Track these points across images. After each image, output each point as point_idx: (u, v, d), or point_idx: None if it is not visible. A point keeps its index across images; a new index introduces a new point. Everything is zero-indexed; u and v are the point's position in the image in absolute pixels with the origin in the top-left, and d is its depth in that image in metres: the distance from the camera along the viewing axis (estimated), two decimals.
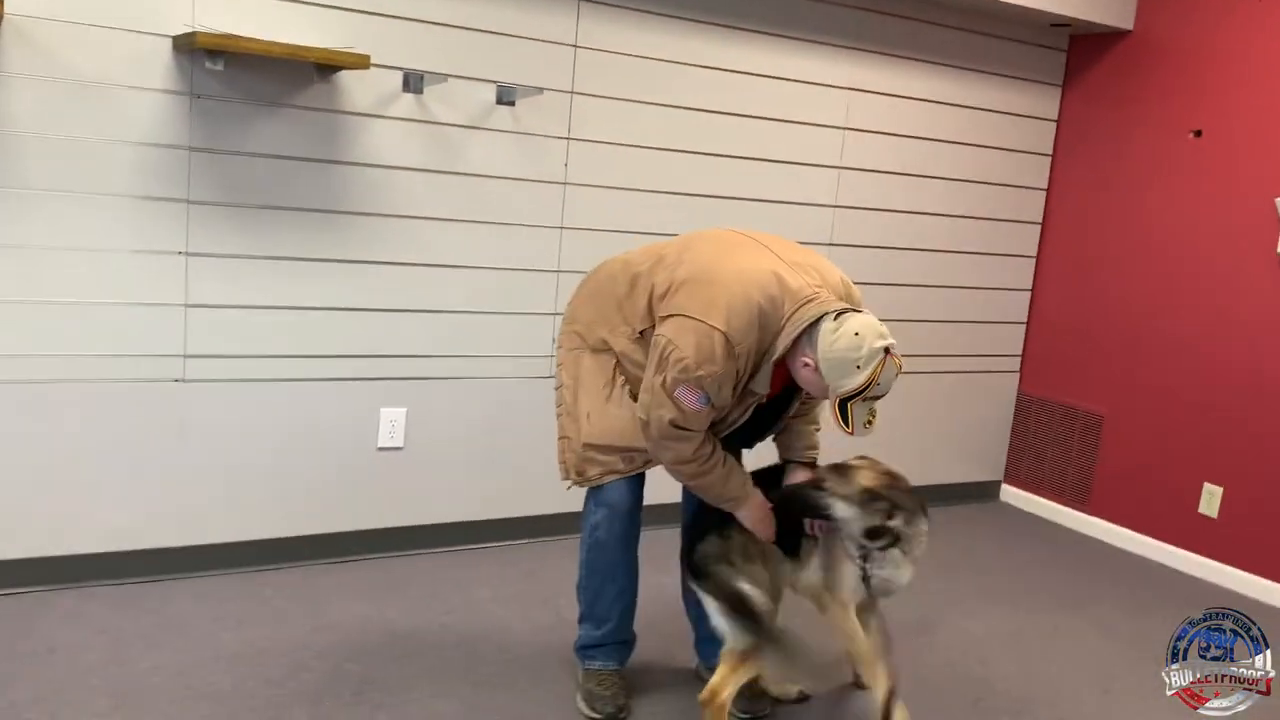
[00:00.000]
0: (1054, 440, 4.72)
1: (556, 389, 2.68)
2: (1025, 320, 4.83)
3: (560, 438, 2.65)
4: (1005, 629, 3.45)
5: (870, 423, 2.30)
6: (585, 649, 2.77)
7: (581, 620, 2.78)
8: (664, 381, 2.34)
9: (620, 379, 2.55)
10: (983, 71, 4.42)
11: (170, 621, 2.99)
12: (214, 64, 3.03)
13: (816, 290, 2.35)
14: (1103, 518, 4.51)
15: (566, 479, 2.66)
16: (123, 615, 2.99)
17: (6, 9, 2.76)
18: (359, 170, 3.32)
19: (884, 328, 2.28)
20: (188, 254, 3.13)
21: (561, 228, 3.66)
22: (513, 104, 3.48)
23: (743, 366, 2.34)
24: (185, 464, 3.24)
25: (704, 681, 2.80)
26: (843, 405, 2.27)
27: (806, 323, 2.29)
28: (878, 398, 2.28)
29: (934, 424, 4.70)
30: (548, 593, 3.36)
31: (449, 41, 3.37)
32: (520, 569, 3.56)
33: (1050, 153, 4.69)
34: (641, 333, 2.49)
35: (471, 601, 3.30)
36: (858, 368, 2.23)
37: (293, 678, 2.74)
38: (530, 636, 3.10)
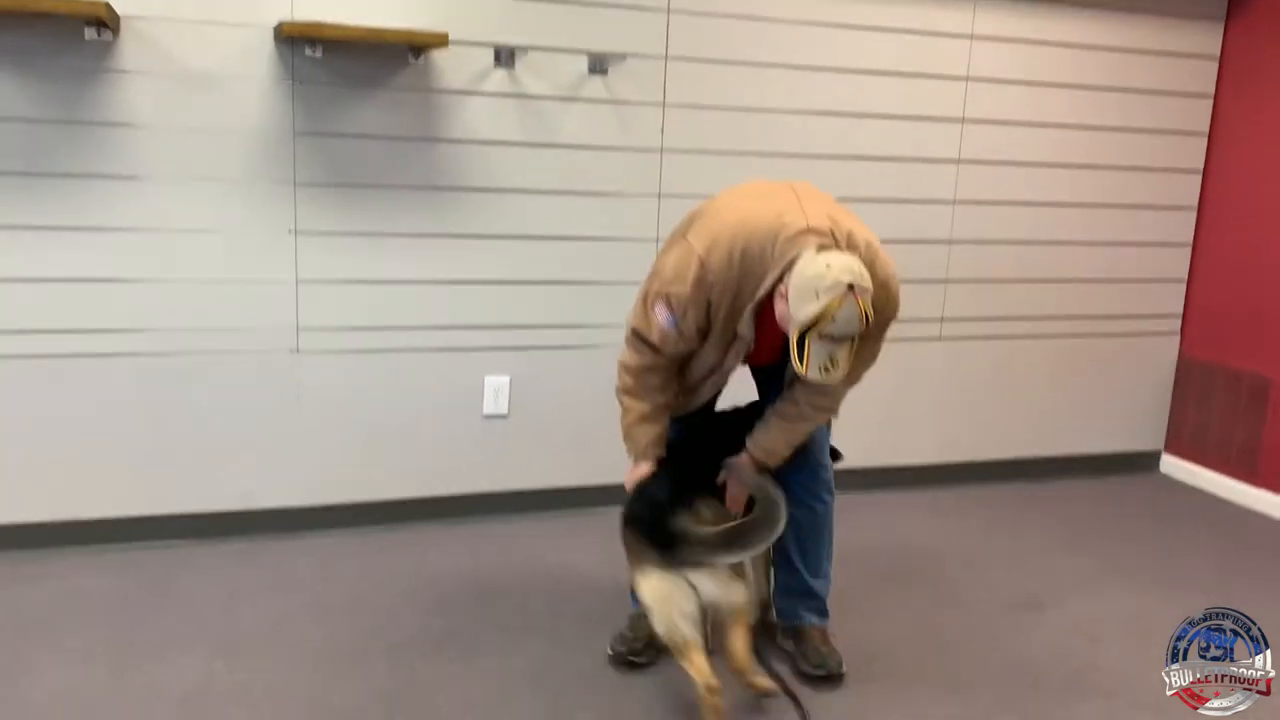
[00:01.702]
0: (1218, 407, 4.34)
1: None
2: (1185, 278, 4.45)
3: None
4: (1126, 610, 3.21)
5: (829, 370, 2.20)
6: (633, 592, 2.79)
7: None
8: (645, 291, 2.48)
9: None
10: (1129, 10, 4.09)
11: (282, 576, 3.20)
12: (312, 51, 3.20)
13: (812, 234, 2.28)
14: (1272, 490, 4.12)
15: None
16: (242, 569, 3.24)
17: (121, 11, 3.01)
18: (456, 146, 3.43)
19: (864, 271, 2.19)
20: (297, 231, 3.33)
21: (659, 195, 3.66)
22: (605, 73, 3.50)
23: (715, 299, 2.33)
24: (302, 430, 3.45)
25: (785, 652, 2.78)
26: (801, 340, 2.19)
27: (789, 258, 2.24)
28: (834, 338, 2.17)
29: (1087, 389, 4.43)
30: None
31: (538, 14, 3.42)
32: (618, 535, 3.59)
33: (1212, 94, 4.29)
34: None
35: (566, 565, 3.37)
36: (816, 295, 2.15)
37: (381, 630, 2.89)
38: (616, 600, 3.11)
